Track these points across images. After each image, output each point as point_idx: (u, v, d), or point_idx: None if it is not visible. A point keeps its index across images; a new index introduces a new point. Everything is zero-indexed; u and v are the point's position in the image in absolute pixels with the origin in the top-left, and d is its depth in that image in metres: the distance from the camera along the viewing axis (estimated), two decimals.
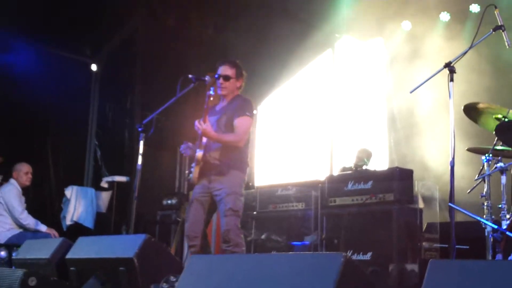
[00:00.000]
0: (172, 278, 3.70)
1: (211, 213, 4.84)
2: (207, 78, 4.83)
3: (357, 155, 7.14)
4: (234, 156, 4.74)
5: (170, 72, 8.06)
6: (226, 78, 4.82)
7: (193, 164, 4.74)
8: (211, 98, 4.71)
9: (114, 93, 9.42)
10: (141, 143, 4.88)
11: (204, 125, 4.55)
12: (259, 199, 6.74)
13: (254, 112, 9.25)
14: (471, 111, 4.75)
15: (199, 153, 4.66)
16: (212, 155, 4.72)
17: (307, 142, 9.12)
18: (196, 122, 4.59)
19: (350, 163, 7.02)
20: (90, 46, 9.34)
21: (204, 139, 4.69)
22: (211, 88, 4.76)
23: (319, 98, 9.30)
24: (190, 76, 4.85)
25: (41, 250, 4.80)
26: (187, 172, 4.94)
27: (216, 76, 4.82)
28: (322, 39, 8.77)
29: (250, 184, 7.69)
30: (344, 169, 6.84)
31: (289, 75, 9.34)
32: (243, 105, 4.79)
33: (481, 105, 4.70)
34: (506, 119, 4.60)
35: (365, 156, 7.06)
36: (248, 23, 8.37)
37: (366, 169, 6.12)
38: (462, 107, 4.68)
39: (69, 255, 4.40)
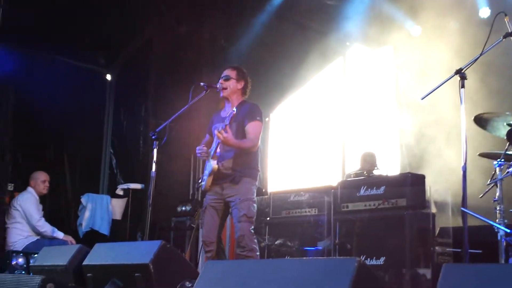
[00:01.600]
0: (188, 284, 3.71)
1: (225, 218, 4.91)
2: (218, 85, 4.92)
3: (364, 159, 6.87)
4: (246, 164, 4.80)
5: (182, 80, 8.14)
6: (226, 78, 4.91)
7: (206, 172, 4.79)
8: (234, 113, 4.65)
9: (128, 102, 9.50)
10: (155, 150, 4.91)
11: (225, 134, 4.53)
12: (272, 205, 6.77)
13: (267, 119, 9.43)
14: (481, 121, 4.85)
15: (215, 164, 4.72)
16: (225, 164, 4.78)
17: (319, 148, 9.15)
18: (216, 131, 4.59)
19: (354, 169, 6.92)
20: (104, 56, 9.44)
21: (219, 149, 4.74)
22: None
23: (331, 104, 9.34)
24: (202, 83, 4.93)
25: (58, 256, 4.81)
26: (199, 180, 5.00)
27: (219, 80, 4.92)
28: (333, 48, 8.82)
29: (264, 190, 7.72)
30: (349, 175, 6.68)
31: (301, 83, 9.38)
32: (252, 110, 4.85)
33: (488, 115, 4.79)
34: None
35: (372, 159, 6.96)
36: (259, 32, 8.44)
37: (379, 175, 6.12)
38: (472, 118, 4.75)
39: (86, 262, 4.41)
